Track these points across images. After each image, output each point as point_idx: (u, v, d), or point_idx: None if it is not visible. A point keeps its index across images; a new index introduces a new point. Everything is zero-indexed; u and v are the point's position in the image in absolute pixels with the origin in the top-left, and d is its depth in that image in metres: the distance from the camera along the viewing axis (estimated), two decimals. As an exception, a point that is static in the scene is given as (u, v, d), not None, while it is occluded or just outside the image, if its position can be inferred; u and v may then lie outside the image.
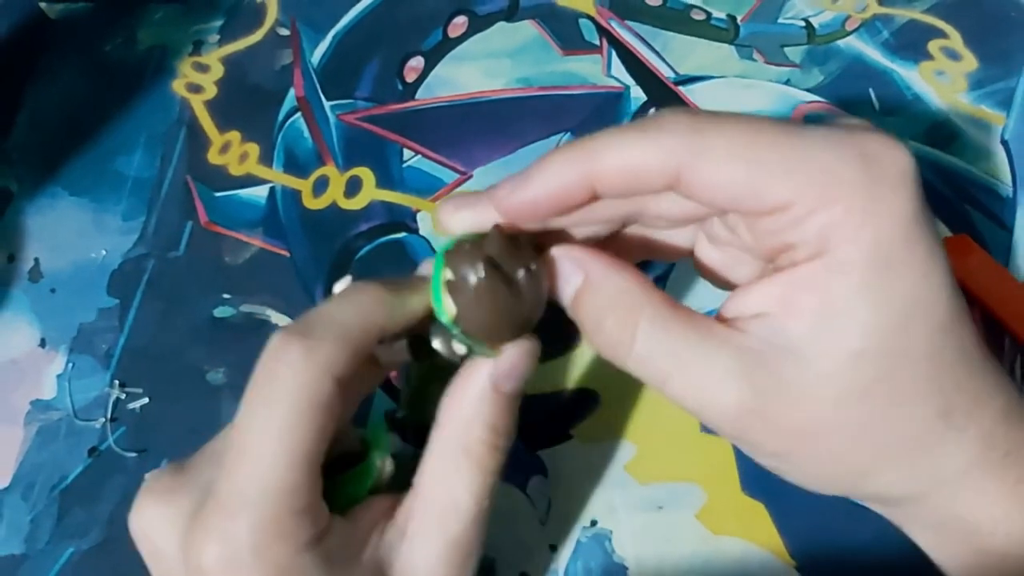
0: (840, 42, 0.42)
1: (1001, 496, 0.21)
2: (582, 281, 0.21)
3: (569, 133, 0.39)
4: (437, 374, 0.24)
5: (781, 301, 0.20)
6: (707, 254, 0.24)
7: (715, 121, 0.19)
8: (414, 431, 0.25)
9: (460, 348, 0.23)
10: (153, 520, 0.23)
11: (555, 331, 0.25)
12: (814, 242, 0.19)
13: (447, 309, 0.22)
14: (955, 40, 0.42)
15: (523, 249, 0.22)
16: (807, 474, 0.21)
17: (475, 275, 0.21)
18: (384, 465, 0.25)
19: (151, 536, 0.23)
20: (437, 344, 0.23)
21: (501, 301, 0.21)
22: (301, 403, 0.21)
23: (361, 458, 0.25)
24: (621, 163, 0.20)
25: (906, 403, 0.20)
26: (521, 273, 0.21)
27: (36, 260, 0.37)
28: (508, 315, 0.22)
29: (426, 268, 0.24)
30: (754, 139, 0.19)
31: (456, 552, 0.23)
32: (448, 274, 0.22)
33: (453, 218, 0.22)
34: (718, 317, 0.21)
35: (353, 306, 0.22)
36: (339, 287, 0.24)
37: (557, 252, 0.22)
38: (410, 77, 0.42)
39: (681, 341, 0.20)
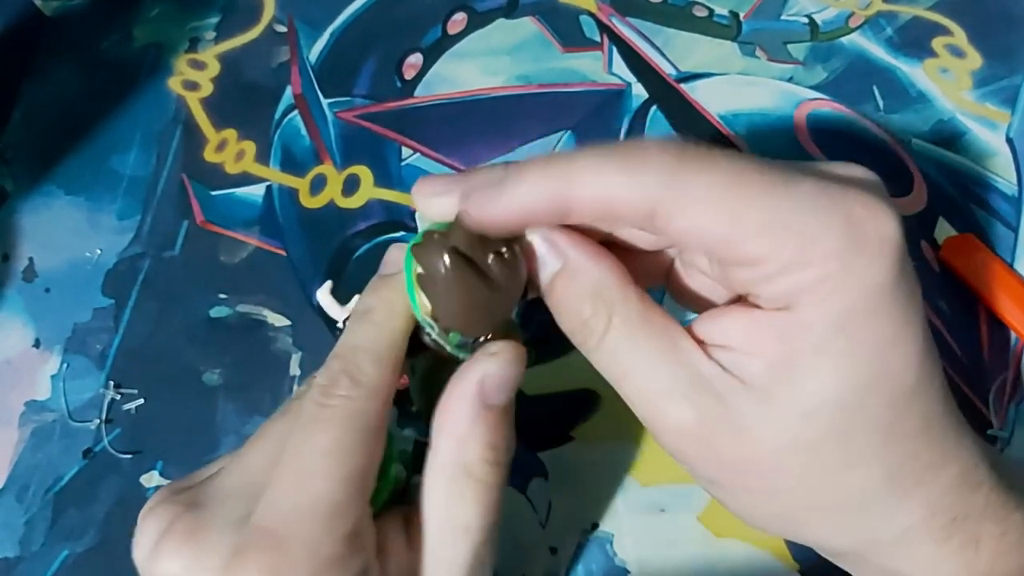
0: (844, 39, 0.42)
1: (941, 559, 0.21)
2: (560, 267, 0.21)
3: (569, 131, 0.39)
4: (441, 364, 0.24)
5: (745, 338, 0.20)
6: (679, 280, 0.24)
7: (699, 162, 0.19)
8: (427, 422, 0.25)
9: (443, 342, 0.23)
10: (181, 566, 0.21)
11: (554, 332, 0.25)
12: (782, 298, 0.19)
13: (421, 305, 0.22)
14: (959, 37, 0.41)
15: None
16: (741, 508, 0.21)
17: (443, 268, 0.21)
18: (400, 473, 0.24)
19: None
20: (427, 339, 0.23)
21: (473, 291, 0.21)
22: (352, 426, 0.21)
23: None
24: (597, 194, 0.20)
25: (853, 465, 0.20)
26: (491, 259, 0.21)
27: (30, 259, 0.37)
28: (483, 304, 0.21)
29: (393, 256, 0.24)
30: (737, 190, 0.19)
31: (474, 572, 0.23)
32: (418, 268, 0.22)
33: (426, 204, 0.22)
34: (689, 330, 0.21)
35: (372, 326, 0.22)
36: (322, 294, 0.25)
37: (534, 236, 0.21)
38: (409, 74, 0.41)
39: (644, 348, 0.20)
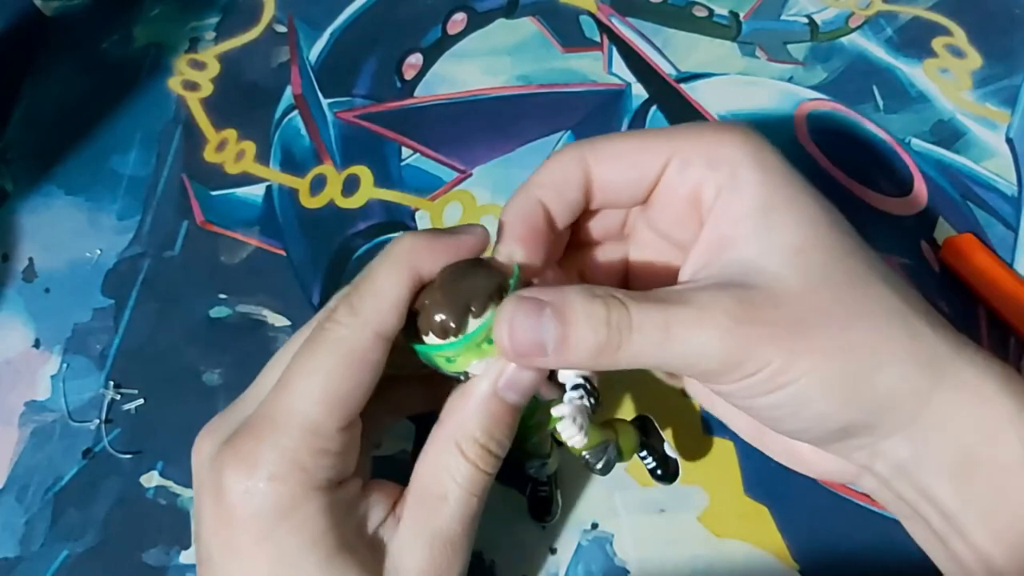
0: (844, 39, 0.42)
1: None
2: (559, 334, 0.22)
3: (569, 131, 0.39)
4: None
5: (717, 246, 0.23)
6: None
7: (599, 138, 0.25)
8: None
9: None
10: (200, 454, 0.24)
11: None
12: (711, 173, 0.23)
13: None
14: (959, 37, 0.41)
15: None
16: (813, 382, 0.21)
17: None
18: (542, 419, 0.26)
19: (198, 468, 0.24)
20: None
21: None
22: (339, 351, 0.22)
23: None
24: (551, 177, 0.25)
25: (866, 283, 0.22)
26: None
27: (30, 260, 0.37)
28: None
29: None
30: (629, 133, 0.25)
31: (441, 544, 0.24)
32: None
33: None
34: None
35: (388, 261, 0.24)
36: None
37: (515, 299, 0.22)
38: (409, 74, 0.41)
39: (661, 307, 0.22)
